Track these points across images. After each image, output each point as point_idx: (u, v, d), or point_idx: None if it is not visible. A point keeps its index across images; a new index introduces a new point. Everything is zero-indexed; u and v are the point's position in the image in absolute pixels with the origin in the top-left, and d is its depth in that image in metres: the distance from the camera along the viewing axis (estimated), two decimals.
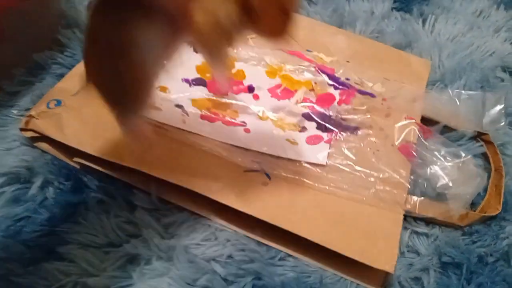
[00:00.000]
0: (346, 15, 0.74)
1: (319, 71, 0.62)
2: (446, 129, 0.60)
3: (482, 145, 0.59)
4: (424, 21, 0.75)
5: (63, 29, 0.68)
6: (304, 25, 0.71)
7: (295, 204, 0.50)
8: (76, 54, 0.66)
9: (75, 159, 0.53)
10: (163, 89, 0.59)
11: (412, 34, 0.73)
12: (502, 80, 0.67)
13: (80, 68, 0.62)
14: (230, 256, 0.47)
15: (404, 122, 0.57)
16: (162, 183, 0.50)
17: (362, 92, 0.60)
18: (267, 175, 0.52)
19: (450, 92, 0.62)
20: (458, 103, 0.61)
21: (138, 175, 0.50)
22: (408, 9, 0.78)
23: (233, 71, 0.60)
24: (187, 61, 0.60)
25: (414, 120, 0.58)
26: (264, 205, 0.49)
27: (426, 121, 0.61)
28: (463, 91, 0.62)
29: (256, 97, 0.58)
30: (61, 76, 0.64)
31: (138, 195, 0.51)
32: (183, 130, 0.55)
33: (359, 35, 0.72)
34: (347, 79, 0.62)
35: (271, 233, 0.49)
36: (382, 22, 0.74)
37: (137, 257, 0.47)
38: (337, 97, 0.59)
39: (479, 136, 0.60)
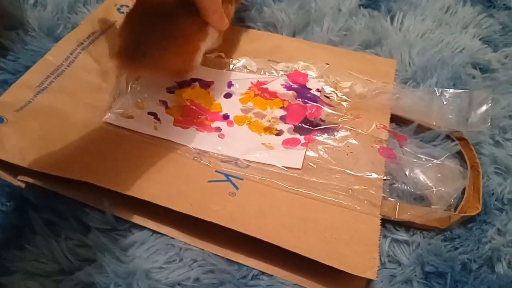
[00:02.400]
0: (313, 12, 0.71)
1: (289, 85, 0.60)
2: (420, 129, 0.58)
3: (456, 144, 0.57)
4: (392, 18, 0.73)
5: (6, 30, 0.62)
6: (265, 37, 0.68)
7: (266, 212, 0.47)
8: (20, 58, 0.60)
9: (20, 177, 0.47)
10: (140, 106, 0.56)
11: (381, 31, 0.70)
12: (474, 77, 0.65)
13: (24, 80, 0.56)
14: (197, 280, 0.43)
15: (375, 129, 0.56)
16: (116, 199, 0.46)
17: (330, 106, 0.58)
18: (234, 185, 0.49)
19: (437, 91, 0.59)
20: (444, 102, 0.58)
21: (90, 192, 0.46)
22: (375, 6, 0.75)
23: (211, 105, 0.59)
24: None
25: (386, 130, 0.56)
26: (231, 215, 0.45)
27: (399, 120, 0.58)
28: (450, 90, 0.59)
29: (230, 123, 0.57)
30: (3, 82, 0.58)
31: (91, 214, 0.45)
32: (154, 136, 0.53)
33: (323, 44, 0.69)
34: (318, 90, 0.59)
35: (242, 248, 0.45)
36: (350, 19, 0.72)
37: (92, 285, 0.42)
38: (308, 111, 0.57)
39: (452, 134, 0.58)
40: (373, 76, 0.63)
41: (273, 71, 0.63)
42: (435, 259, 0.46)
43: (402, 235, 0.48)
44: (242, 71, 0.63)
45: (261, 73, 0.63)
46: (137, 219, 0.46)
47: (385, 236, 0.48)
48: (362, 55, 0.67)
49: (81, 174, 0.46)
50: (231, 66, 0.63)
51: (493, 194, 0.53)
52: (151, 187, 0.47)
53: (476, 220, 0.50)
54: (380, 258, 0.46)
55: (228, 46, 0.66)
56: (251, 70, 0.63)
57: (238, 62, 0.64)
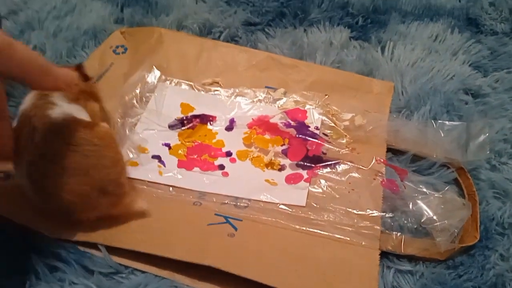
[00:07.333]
0: (306, 46, 0.73)
1: (288, 123, 0.60)
2: (416, 157, 0.58)
3: (453, 171, 0.57)
4: (383, 49, 0.75)
5: None
6: (260, 59, 0.69)
7: (265, 252, 0.47)
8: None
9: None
10: (143, 150, 0.57)
11: (372, 62, 0.72)
12: (466, 103, 0.67)
13: None
14: None
15: (375, 163, 0.56)
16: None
17: (329, 143, 0.59)
18: (233, 226, 0.49)
19: (433, 123, 0.60)
20: (442, 134, 0.59)
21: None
22: (366, 38, 0.77)
23: (214, 141, 0.60)
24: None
25: (385, 164, 0.56)
26: (229, 256, 0.46)
27: (395, 150, 0.59)
28: (446, 122, 0.60)
29: (233, 160, 0.58)
30: None
31: (93, 258, 0.45)
32: (158, 183, 0.53)
33: (318, 64, 0.70)
34: (317, 128, 0.61)
35: (245, 285, 0.44)
36: (342, 52, 0.73)
37: None
38: (308, 148, 0.58)
39: (449, 162, 0.58)
40: (371, 102, 0.64)
41: (270, 99, 0.64)
42: None
43: (405, 266, 0.48)
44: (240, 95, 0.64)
45: (260, 102, 0.64)
46: (138, 265, 0.46)
47: (388, 267, 0.48)
48: (359, 77, 0.69)
49: (85, 236, 0.46)
50: (228, 93, 0.65)
51: (493, 219, 0.53)
52: (150, 238, 0.47)
53: (478, 246, 0.50)
54: None
55: (224, 68, 0.68)
56: (249, 97, 0.64)
57: (235, 90, 0.65)
